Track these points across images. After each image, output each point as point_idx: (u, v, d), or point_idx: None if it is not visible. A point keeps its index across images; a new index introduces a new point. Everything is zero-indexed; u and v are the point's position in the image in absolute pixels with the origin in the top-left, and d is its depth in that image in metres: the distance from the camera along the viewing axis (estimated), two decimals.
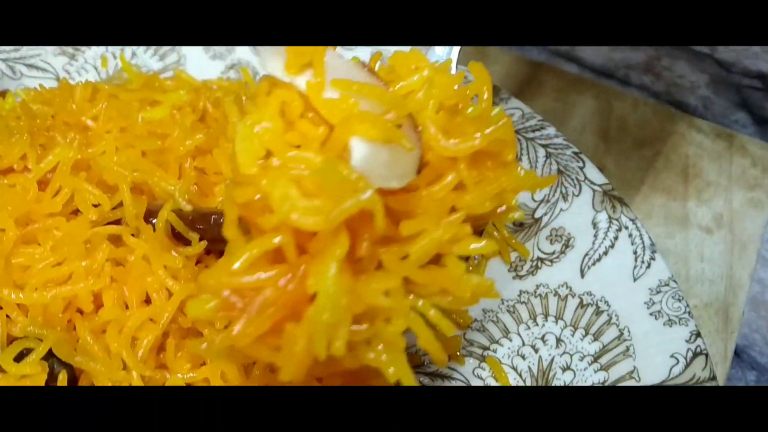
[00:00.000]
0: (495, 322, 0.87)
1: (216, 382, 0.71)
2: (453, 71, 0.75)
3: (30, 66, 1.13)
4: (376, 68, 0.69)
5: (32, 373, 0.66)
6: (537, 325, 0.85)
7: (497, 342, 0.86)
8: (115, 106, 0.87)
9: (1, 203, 0.75)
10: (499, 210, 0.64)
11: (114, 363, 0.69)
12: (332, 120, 0.56)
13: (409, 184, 0.58)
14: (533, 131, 0.96)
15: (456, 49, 0.81)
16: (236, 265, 0.53)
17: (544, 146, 0.95)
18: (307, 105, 0.58)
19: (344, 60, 0.62)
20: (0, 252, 0.72)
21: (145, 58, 1.14)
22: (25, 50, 1.13)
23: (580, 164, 0.92)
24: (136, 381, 0.70)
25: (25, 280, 0.72)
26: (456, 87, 0.63)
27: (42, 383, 0.66)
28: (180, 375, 0.71)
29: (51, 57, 1.13)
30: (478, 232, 0.67)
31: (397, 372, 0.55)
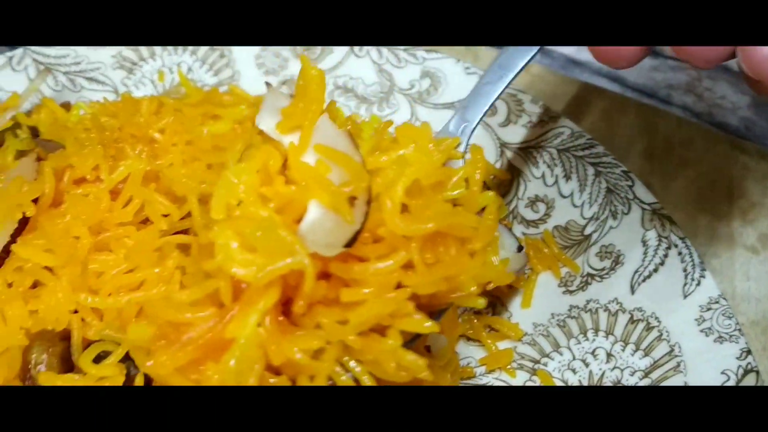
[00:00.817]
0: (545, 336, 0.89)
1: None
2: (462, 148, 0.79)
3: (90, 79, 1.17)
4: (392, 132, 0.75)
5: (111, 375, 0.68)
6: (587, 339, 0.87)
7: (548, 356, 0.87)
8: (180, 119, 0.91)
9: (76, 212, 0.78)
10: (454, 295, 0.68)
11: None
12: (301, 182, 0.62)
13: (361, 253, 0.63)
14: (582, 150, 0.98)
15: (471, 127, 0.82)
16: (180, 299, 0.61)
17: (593, 164, 0.96)
18: (287, 163, 0.65)
19: (333, 127, 0.67)
20: (76, 258, 0.75)
21: (201, 73, 1.17)
22: (85, 64, 1.17)
23: (629, 183, 0.93)
24: None
25: (100, 285, 0.75)
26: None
27: (120, 384, 0.68)
28: None
29: (110, 71, 1.17)
30: (437, 312, 0.70)
31: None
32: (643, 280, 0.87)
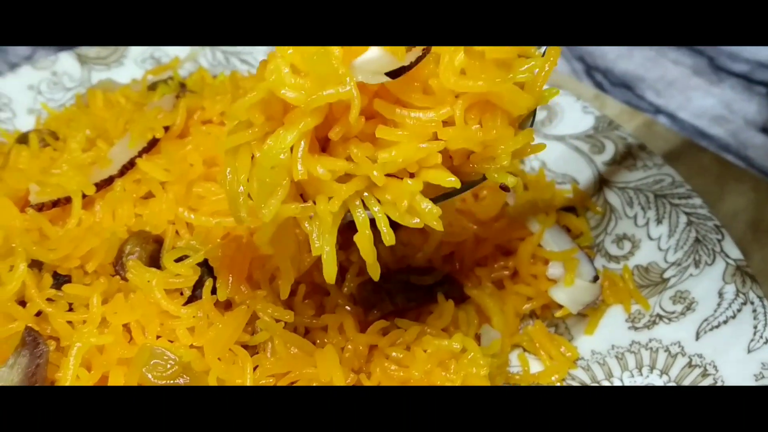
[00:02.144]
0: (601, 364, 0.90)
1: (333, 331, 0.80)
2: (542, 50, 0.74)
3: (243, 60, 1.30)
4: None
5: (185, 274, 0.77)
6: (641, 375, 0.86)
7: (598, 382, 0.88)
8: None
9: (196, 143, 0.89)
10: (487, 165, 0.66)
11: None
12: None
13: (408, 99, 0.63)
14: (680, 198, 0.99)
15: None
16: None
17: (687, 214, 0.97)
18: None
19: None
20: (185, 178, 0.86)
21: None
22: (242, 48, 1.31)
23: (719, 236, 0.93)
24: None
25: (199, 207, 0.85)
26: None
27: (191, 284, 0.77)
28: None
29: (261, 56, 1.30)
30: (468, 183, 0.68)
31: (321, 246, 0.62)
32: (711, 329, 0.86)
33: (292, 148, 0.61)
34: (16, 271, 0.78)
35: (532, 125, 0.71)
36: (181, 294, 0.77)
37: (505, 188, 0.67)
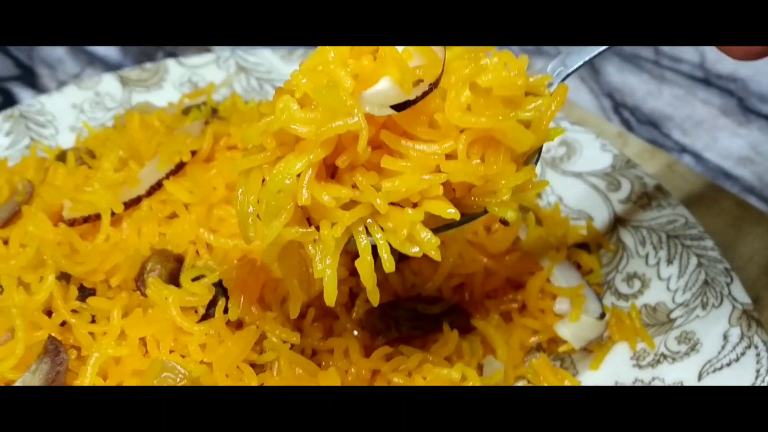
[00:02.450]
0: None
1: (339, 354, 0.83)
2: (552, 89, 0.76)
3: (275, 87, 1.34)
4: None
5: (200, 293, 0.81)
6: None
7: None
8: None
9: (220, 168, 0.94)
10: (488, 199, 0.69)
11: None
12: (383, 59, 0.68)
13: (414, 132, 0.66)
14: (691, 239, 1.00)
15: (566, 72, 0.80)
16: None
17: (698, 255, 0.98)
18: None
19: None
20: (207, 200, 0.91)
21: None
22: (275, 74, 1.36)
23: (728, 280, 0.94)
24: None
25: (219, 228, 0.89)
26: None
27: (205, 303, 0.81)
28: None
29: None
30: (469, 216, 0.71)
31: (323, 269, 0.65)
32: (713, 371, 0.87)
33: (299, 174, 0.65)
34: (45, 282, 0.83)
35: (537, 162, 0.74)
36: (196, 312, 0.82)
37: (504, 222, 0.70)
